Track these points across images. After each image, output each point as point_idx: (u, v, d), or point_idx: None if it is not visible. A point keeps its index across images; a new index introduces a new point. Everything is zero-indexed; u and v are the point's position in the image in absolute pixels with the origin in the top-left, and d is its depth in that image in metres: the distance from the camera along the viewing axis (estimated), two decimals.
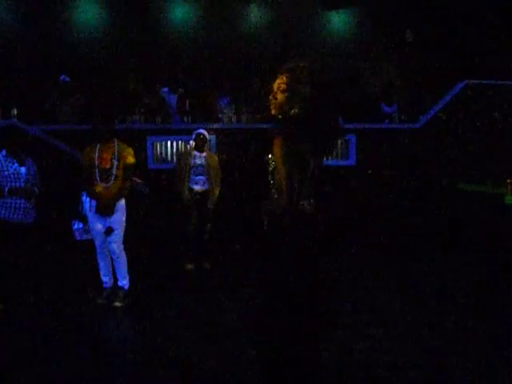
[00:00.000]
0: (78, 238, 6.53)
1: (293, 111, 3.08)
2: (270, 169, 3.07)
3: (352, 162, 9.44)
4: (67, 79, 9.39)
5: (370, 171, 9.28)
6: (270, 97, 3.17)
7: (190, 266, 7.75)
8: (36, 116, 8.61)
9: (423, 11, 11.95)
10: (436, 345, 4.76)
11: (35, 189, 6.32)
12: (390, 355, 4.50)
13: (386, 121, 10.37)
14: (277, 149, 2.97)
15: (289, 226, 2.95)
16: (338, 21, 12.63)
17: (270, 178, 3.10)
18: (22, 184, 6.22)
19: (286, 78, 3.11)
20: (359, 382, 4.02)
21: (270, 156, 3.07)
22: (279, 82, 3.12)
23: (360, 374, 4.11)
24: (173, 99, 9.64)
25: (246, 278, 7.02)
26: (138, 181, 7.43)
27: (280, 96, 3.11)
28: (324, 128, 3.08)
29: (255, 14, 11.98)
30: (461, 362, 4.33)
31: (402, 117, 10.40)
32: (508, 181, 7.15)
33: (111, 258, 6.24)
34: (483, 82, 10.05)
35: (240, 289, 6.65)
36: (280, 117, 3.15)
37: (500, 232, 7.75)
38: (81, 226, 6.48)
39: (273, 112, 3.18)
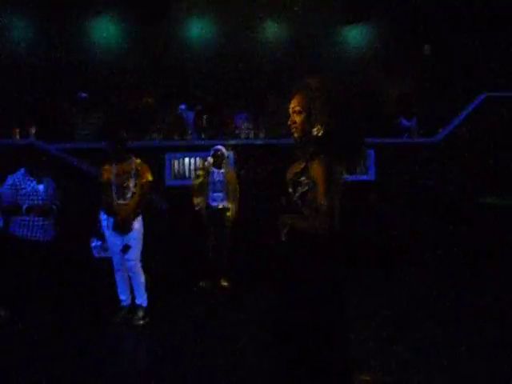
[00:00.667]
0: (97, 256, 6.50)
1: (315, 130, 3.03)
2: (304, 189, 3.00)
3: (371, 177, 9.36)
4: (84, 95, 9.44)
5: (390, 186, 9.17)
6: (289, 122, 3.13)
7: (208, 284, 7.69)
8: (54, 134, 8.64)
9: (440, 24, 11.90)
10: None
11: (54, 206, 6.34)
12: None
13: (406, 135, 10.29)
14: (317, 169, 2.94)
15: (327, 246, 2.95)
16: (355, 35, 12.62)
17: (297, 198, 3.03)
18: (40, 202, 6.25)
19: (299, 98, 3.08)
20: None
21: (302, 178, 3.01)
22: (293, 106, 3.10)
23: None
24: (190, 116, 9.65)
25: (265, 297, 6.98)
26: (156, 197, 7.41)
27: (297, 118, 3.08)
28: (350, 143, 3.04)
29: (272, 29, 12.00)
30: None
31: (421, 131, 10.33)
32: None
33: (129, 276, 6.21)
34: (503, 94, 9.94)
35: (258, 307, 6.58)
36: (304, 139, 3.11)
37: None
38: (99, 243, 6.44)
39: (296, 136, 3.14)
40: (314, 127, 3.02)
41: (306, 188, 2.98)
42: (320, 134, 3.01)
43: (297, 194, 3.01)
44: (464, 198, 9.45)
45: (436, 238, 9.02)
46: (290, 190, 3.08)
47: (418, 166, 9.50)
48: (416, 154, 9.57)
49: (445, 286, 7.52)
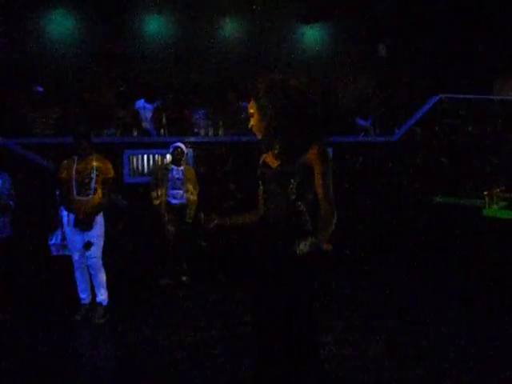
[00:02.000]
0: (55, 254, 6.39)
1: (270, 129, 3.07)
2: (299, 179, 3.00)
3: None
4: (41, 89, 9.26)
5: (346, 185, 9.28)
6: (249, 125, 3.20)
7: (167, 281, 7.66)
8: (11, 129, 8.45)
9: (396, 26, 12.08)
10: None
11: (10, 202, 6.20)
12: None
13: (362, 134, 10.42)
14: (315, 155, 2.96)
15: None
16: (312, 34, 12.69)
17: (293, 188, 3.02)
18: None
19: (251, 102, 3.15)
20: None
21: (296, 167, 3.00)
22: (249, 109, 3.17)
23: None
24: (149, 112, 9.56)
25: (225, 292, 7.02)
26: (115, 194, 7.34)
27: (252, 121, 3.16)
28: (295, 142, 3.05)
29: (230, 27, 11.99)
30: None
31: (377, 130, 10.48)
32: (485, 193, 7.21)
33: (89, 274, 6.13)
34: (457, 96, 10.17)
35: (220, 303, 6.62)
36: (266, 137, 3.15)
37: (479, 244, 7.80)
38: (58, 241, 6.33)
39: (257, 136, 3.18)
40: (268, 125, 3.07)
41: (301, 177, 2.99)
42: (272, 131, 3.07)
43: (292, 186, 3.01)
44: (418, 196, 9.63)
45: (391, 236, 9.16)
46: (277, 184, 3.06)
47: (375, 164, 9.64)
48: (372, 153, 9.70)
49: (400, 283, 7.67)
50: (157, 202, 7.60)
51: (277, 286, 3.02)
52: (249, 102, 3.18)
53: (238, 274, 6.98)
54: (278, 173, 3.07)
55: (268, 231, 3.09)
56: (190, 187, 7.73)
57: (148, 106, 9.60)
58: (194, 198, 7.74)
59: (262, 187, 3.20)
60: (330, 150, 8.93)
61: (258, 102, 3.09)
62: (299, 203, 2.99)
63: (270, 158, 3.18)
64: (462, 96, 10.17)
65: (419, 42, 11.85)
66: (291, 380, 2.98)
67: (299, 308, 2.98)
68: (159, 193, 7.61)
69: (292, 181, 2.99)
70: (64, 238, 6.18)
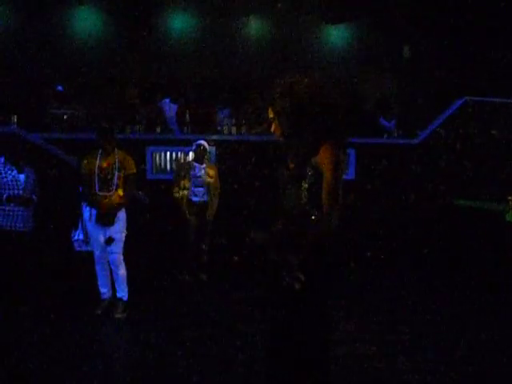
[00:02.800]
0: (78, 249, 6.43)
1: (285, 133, 3.09)
2: (311, 181, 2.98)
3: (351, 176, 9.41)
4: (61, 89, 9.36)
5: (369, 186, 9.24)
6: (272, 130, 3.20)
7: (187, 278, 7.69)
8: (36, 124, 8.54)
9: (421, 27, 12.00)
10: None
11: (33, 197, 6.26)
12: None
13: (385, 135, 10.37)
14: (326, 156, 2.93)
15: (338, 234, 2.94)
16: (336, 35, 12.66)
17: (305, 191, 3.00)
18: (21, 192, 6.17)
19: (270, 106, 3.16)
20: None
21: (308, 169, 2.98)
22: (269, 115, 3.17)
23: None
24: (173, 110, 9.60)
25: (243, 290, 7.02)
26: (138, 191, 7.37)
27: (273, 126, 3.17)
28: (313, 143, 3.04)
29: (255, 26, 12.00)
30: None
31: (400, 132, 10.42)
32: (509, 198, 7.14)
33: (110, 269, 6.17)
34: (482, 99, 10.07)
35: (238, 301, 6.62)
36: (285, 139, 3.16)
37: (501, 249, 7.71)
38: (81, 236, 6.37)
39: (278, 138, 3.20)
40: (284, 130, 3.09)
41: (313, 180, 2.96)
42: (287, 134, 3.10)
43: (303, 188, 2.99)
44: (439, 199, 9.56)
45: (413, 238, 9.10)
46: (292, 186, 3.06)
47: (397, 166, 9.59)
48: (395, 155, 9.65)
49: (419, 282, 7.62)
50: (178, 196, 7.60)
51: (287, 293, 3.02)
52: (267, 109, 3.20)
53: (256, 273, 6.99)
54: (291, 175, 3.07)
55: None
56: (212, 185, 7.74)
57: (173, 105, 9.65)
58: (215, 196, 7.75)
59: (281, 191, 3.19)
60: (351, 151, 9.02)
61: (273, 107, 3.10)
62: (310, 206, 2.96)
63: (290, 158, 3.18)
64: (487, 99, 10.08)
65: (444, 44, 11.75)
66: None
67: (311, 313, 2.98)
68: (181, 191, 7.63)
69: (303, 183, 2.98)
70: (86, 235, 6.21)
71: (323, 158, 2.93)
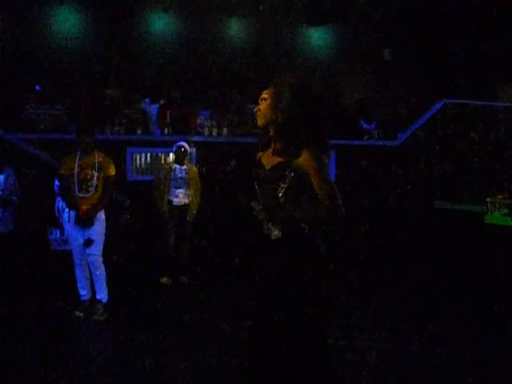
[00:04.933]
0: (55, 248, 6.38)
1: (277, 119, 3.06)
2: (288, 184, 2.99)
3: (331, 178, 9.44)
4: (39, 88, 9.30)
5: (349, 187, 9.28)
6: (255, 109, 3.17)
7: (167, 280, 7.65)
8: (14, 124, 8.47)
9: (402, 30, 12.09)
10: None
11: (13, 198, 6.21)
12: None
13: (365, 137, 10.42)
14: (308, 161, 2.95)
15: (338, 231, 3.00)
16: (318, 37, 12.71)
17: (281, 192, 3.00)
18: (1, 192, 6.11)
19: (268, 89, 3.14)
20: None
21: (287, 172, 2.99)
22: (262, 94, 3.14)
23: None
24: (154, 110, 9.57)
25: (225, 292, 7.01)
26: (118, 192, 7.34)
27: (262, 105, 3.12)
28: (311, 131, 3.06)
29: (236, 27, 12.00)
30: None
31: (381, 134, 10.48)
32: (488, 199, 7.20)
33: (90, 271, 6.12)
34: (461, 101, 10.17)
35: (219, 303, 6.61)
36: (266, 126, 3.15)
37: (480, 251, 7.78)
38: (58, 235, 6.34)
39: (258, 123, 3.17)
40: (276, 115, 3.06)
41: (291, 183, 2.98)
42: (280, 121, 3.05)
43: (281, 189, 2.99)
44: (419, 201, 9.64)
45: (393, 239, 9.15)
46: (268, 185, 3.07)
47: (377, 168, 9.65)
48: (375, 157, 9.71)
49: (399, 282, 7.66)
50: (159, 202, 7.58)
51: (274, 291, 3.02)
52: (265, 90, 3.16)
53: (239, 273, 7.00)
54: (270, 174, 3.07)
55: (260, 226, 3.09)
56: (192, 187, 7.71)
57: (153, 106, 9.62)
58: (196, 197, 7.72)
59: (256, 188, 3.19)
60: (332, 153, 9.05)
61: (277, 92, 3.08)
62: (288, 205, 2.97)
63: (265, 158, 3.17)
64: (466, 102, 10.18)
65: (425, 46, 11.85)
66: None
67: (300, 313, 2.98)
68: (161, 192, 7.59)
69: (281, 183, 2.99)
70: (63, 233, 6.17)
71: (307, 162, 2.96)
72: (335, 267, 7.40)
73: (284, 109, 3.03)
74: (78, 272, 6.12)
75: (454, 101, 10.11)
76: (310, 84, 3.15)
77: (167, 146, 8.31)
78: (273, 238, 2.94)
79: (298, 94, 3.06)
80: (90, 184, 5.98)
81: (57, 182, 6.88)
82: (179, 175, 7.66)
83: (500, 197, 7.43)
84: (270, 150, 3.16)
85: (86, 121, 6.49)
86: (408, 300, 6.96)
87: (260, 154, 3.23)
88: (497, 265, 7.43)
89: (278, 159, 3.07)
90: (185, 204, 7.67)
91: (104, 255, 6.13)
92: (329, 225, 3.02)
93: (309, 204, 3.00)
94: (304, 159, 2.96)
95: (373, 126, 10.78)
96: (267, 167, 3.11)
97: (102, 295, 6.10)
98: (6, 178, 6.19)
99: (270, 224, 2.94)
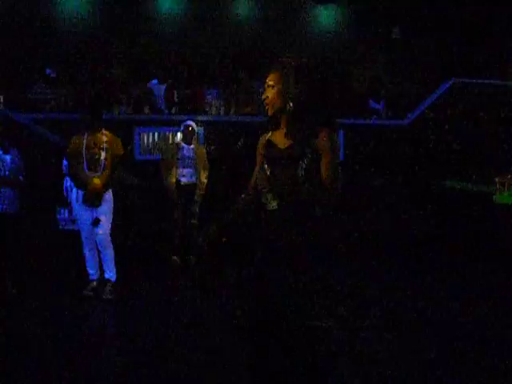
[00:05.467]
0: (64, 228, 6.39)
1: (288, 107, 3.02)
2: (308, 162, 2.98)
3: (339, 157, 9.41)
4: (50, 72, 9.28)
5: (357, 167, 9.26)
6: (263, 97, 3.12)
7: (175, 259, 7.67)
8: (22, 104, 8.46)
9: (411, 9, 11.97)
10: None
11: (20, 177, 6.20)
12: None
13: (374, 117, 10.37)
14: (324, 141, 2.93)
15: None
16: (326, 16, 12.62)
17: (302, 170, 2.99)
18: (7, 172, 6.11)
19: (273, 74, 3.07)
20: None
21: (307, 150, 2.98)
22: (267, 80, 3.09)
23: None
24: (162, 90, 9.54)
25: (233, 271, 7.02)
26: (126, 172, 7.34)
27: (270, 93, 3.05)
28: (322, 118, 3.04)
29: (244, 6, 11.91)
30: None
31: (390, 113, 10.42)
32: (497, 179, 7.15)
33: (98, 250, 6.14)
34: (470, 80, 10.08)
35: (225, 282, 6.62)
36: (276, 115, 3.11)
37: (487, 230, 7.74)
38: (66, 215, 6.34)
39: (268, 112, 3.13)
40: (286, 102, 3.02)
41: (310, 161, 2.96)
42: (290, 109, 3.02)
43: (301, 169, 2.97)
44: (428, 180, 9.59)
45: (401, 219, 9.13)
46: (285, 164, 3.04)
47: (386, 147, 9.60)
48: (384, 136, 9.65)
49: (408, 263, 7.65)
50: (167, 182, 7.57)
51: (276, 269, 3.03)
52: (269, 75, 3.10)
53: (246, 254, 7.00)
54: (287, 154, 3.03)
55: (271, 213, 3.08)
56: (200, 166, 7.69)
57: (161, 86, 9.58)
58: (203, 177, 7.71)
59: (267, 167, 3.15)
60: (340, 133, 9.00)
61: (283, 76, 3.01)
62: (306, 185, 2.96)
63: (277, 137, 3.13)
64: (475, 80, 10.08)
65: (434, 24, 11.73)
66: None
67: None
68: (169, 171, 7.58)
69: (301, 163, 2.96)
70: (71, 212, 6.17)
71: (322, 143, 2.94)
72: (341, 245, 7.46)
73: (293, 97, 2.99)
74: (86, 251, 6.13)
75: (463, 80, 10.01)
76: (316, 64, 3.11)
77: (175, 125, 8.30)
78: (269, 208, 2.97)
79: (306, 78, 3.01)
80: (97, 163, 5.96)
81: (65, 162, 6.89)
82: (187, 154, 7.64)
83: (509, 176, 7.37)
84: (281, 131, 3.12)
85: (93, 99, 6.45)
86: (414, 279, 6.96)
87: (269, 134, 3.20)
88: (504, 244, 7.39)
89: (292, 139, 3.04)
90: (192, 183, 7.66)
91: (112, 234, 6.14)
92: (324, 208, 2.98)
93: (319, 185, 2.99)
94: (321, 139, 2.95)
95: (381, 105, 10.72)
96: (282, 147, 3.08)
97: (111, 274, 6.12)
98: (12, 159, 6.17)
99: (269, 196, 2.96)
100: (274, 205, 2.95)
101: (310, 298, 3.03)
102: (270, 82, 3.05)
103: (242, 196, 3.28)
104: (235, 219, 3.28)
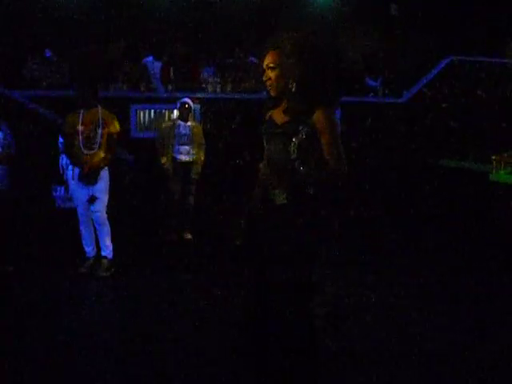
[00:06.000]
0: (60, 206, 6.38)
1: (291, 87, 3.00)
2: (301, 139, 2.95)
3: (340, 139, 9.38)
4: (49, 54, 9.21)
5: (354, 145, 9.23)
6: (264, 78, 3.10)
7: (171, 236, 7.68)
8: (18, 81, 8.41)
9: None
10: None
11: (12, 152, 6.15)
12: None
13: (371, 94, 10.34)
14: (322, 119, 2.93)
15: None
16: None
17: (294, 147, 2.97)
18: (0, 149, 6.06)
19: (273, 54, 3.05)
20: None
21: (301, 127, 2.95)
22: (267, 62, 3.05)
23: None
24: (157, 67, 9.48)
25: (229, 249, 7.02)
26: (123, 150, 7.32)
27: (272, 74, 3.04)
28: (325, 97, 3.03)
29: None
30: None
31: (386, 91, 10.39)
32: (493, 157, 7.14)
33: (94, 228, 6.14)
34: (468, 58, 10.04)
35: (221, 260, 6.62)
36: (279, 96, 3.09)
37: (483, 208, 7.76)
38: (62, 193, 6.32)
39: (271, 93, 3.11)
40: (288, 83, 3.00)
41: (303, 139, 2.93)
42: (294, 90, 2.99)
43: (293, 145, 2.94)
44: (424, 158, 9.59)
45: (397, 197, 9.14)
46: (280, 140, 3.02)
47: (382, 125, 9.58)
48: (381, 114, 9.63)
49: (403, 241, 7.67)
50: (163, 160, 7.55)
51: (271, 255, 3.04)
52: (268, 54, 3.08)
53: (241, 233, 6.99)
54: (282, 129, 3.03)
55: (266, 191, 3.08)
56: (197, 144, 7.67)
57: (157, 63, 9.52)
58: (200, 154, 7.69)
59: (265, 145, 3.16)
60: (337, 110, 8.98)
61: (283, 58, 3.00)
62: (298, 162, 2.93)
63: (276, 115, 3.12)
64: (473, 59, 10.05)
65: (432, 1, 11.65)
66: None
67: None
68: (165, 149, 7.56)
69: (294, 139, 2.94)
70: (67, 190, 6.15)
71: (320, 121, 2.93)
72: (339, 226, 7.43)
73: (297, 78, 2.97)
74: (82, 229, 6.14)
75: (460, 57, 9.97)
76: (317, 39, 3.08)
77: (171, 102, 8.25)
78: (278, 203, 2.96)
79: (308, 56, 2.98)
80: (93, 141, 5.94)
81: (61, 139, 6.86)
82: (183, 132, 7.62)
83: (505, 155, 7.37)
84: (281, 107, 3.11)
85: (86, 75, 6.39)
86: (411, 257, 6.99)
87: (270, 111, 3.19)
88: (500, 223, 7.41)
89: (290, 116, 3.03)
90: (189, 161, 7.64)
91: (108, 212, 6.14)
92: (332, 186, 2.98)
93: (315, 164, 2.97)
94: (317, 118, 2.93)
95: (378, 82, 10.69)
96: (279, 122, 3.07)
97: (107, 252, 6.13)
98: (4, 135, 6.11)
99: (276, 191, 2.97)
100: (281, 199, 2.95)
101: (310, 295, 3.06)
102: (271, 64, 3.04)
103: (255, 191, 3.27)
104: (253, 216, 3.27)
